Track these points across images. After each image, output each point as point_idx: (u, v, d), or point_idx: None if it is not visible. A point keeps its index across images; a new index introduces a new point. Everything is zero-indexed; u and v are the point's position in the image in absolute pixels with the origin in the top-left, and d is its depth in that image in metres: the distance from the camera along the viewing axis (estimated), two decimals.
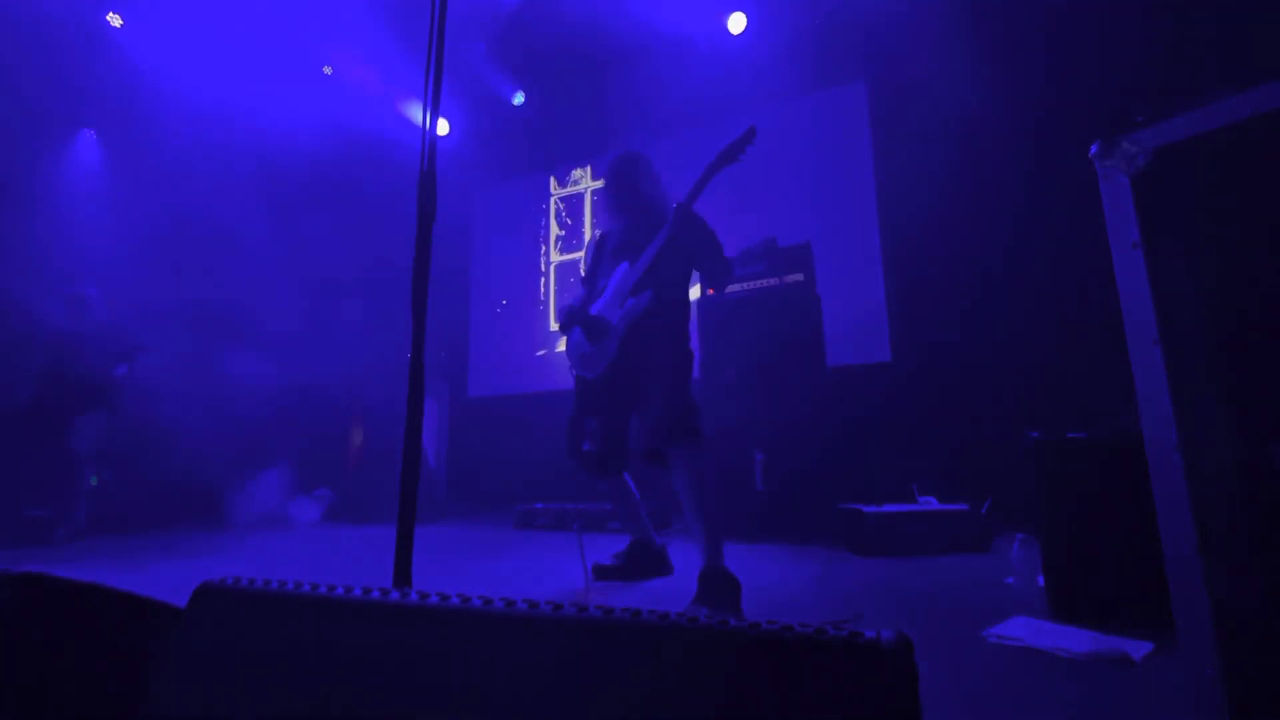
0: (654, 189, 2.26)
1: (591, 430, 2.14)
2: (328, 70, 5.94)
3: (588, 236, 5.81)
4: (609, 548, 2.55)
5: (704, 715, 0.43)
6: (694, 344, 2.15)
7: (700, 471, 1.90)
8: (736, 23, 4.95)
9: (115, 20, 5.21)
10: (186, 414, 4.88)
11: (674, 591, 2.03)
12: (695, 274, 2.20)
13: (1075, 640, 1.37)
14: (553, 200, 6.10)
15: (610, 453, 2.15)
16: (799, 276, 3.43)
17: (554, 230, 6.04)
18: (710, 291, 3.55)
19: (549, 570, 2.49)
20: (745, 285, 3.49)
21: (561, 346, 5.73)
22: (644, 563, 2.26)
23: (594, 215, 5.77)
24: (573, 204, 5.97)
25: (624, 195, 2.25)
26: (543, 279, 6.01)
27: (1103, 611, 1.52)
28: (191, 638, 0.61)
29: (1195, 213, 0.75)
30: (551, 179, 6.13)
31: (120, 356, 3.91)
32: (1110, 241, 0.79)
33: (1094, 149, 0.80)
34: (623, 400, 2.13)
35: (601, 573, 2.22)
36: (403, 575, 1.00)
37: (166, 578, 2.48)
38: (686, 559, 2.35)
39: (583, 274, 2.44)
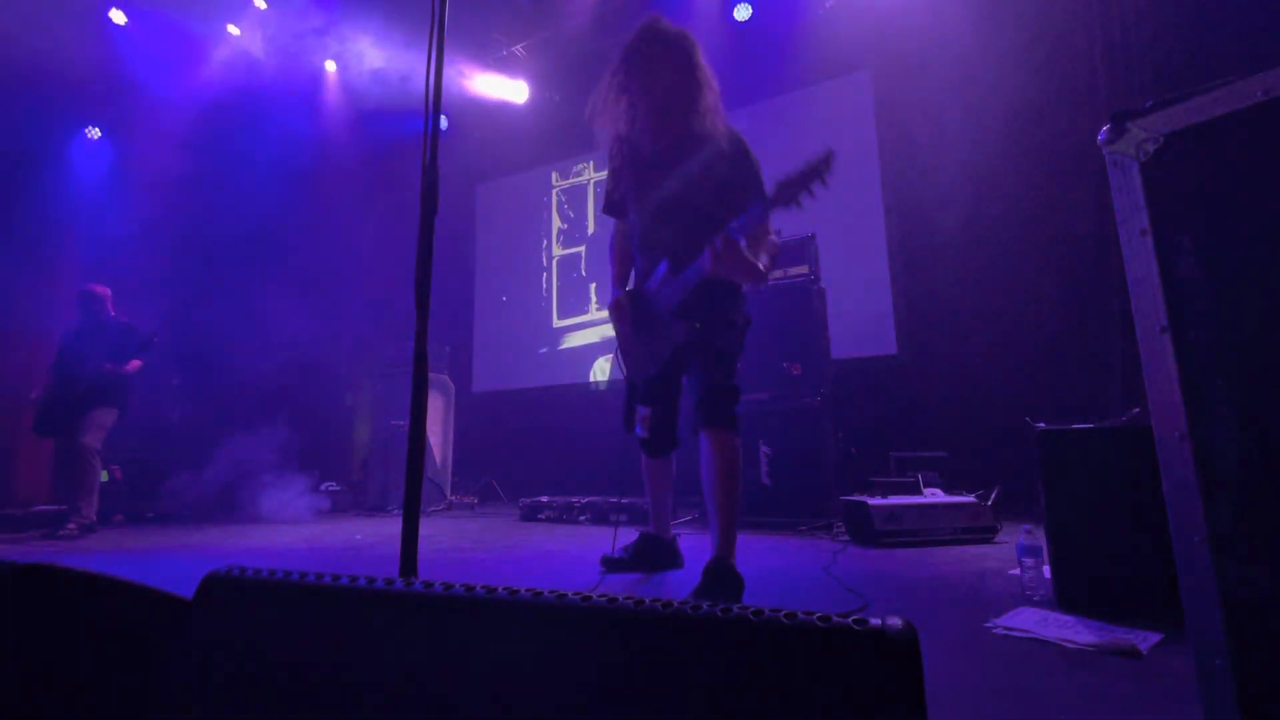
0: (715, 108, 1.96)
1: (643, 417, 2.16)
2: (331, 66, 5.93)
3: (590, 230, 5.78)
4: (613, 540, 2.55)
5: (709, 702, 0.43)
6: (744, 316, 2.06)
7: (728, 460, 1.89)
8: (742, 11, 4.91)
9: (119, 17, 5.21)
10: (195, 410, 4.91)
11: (682, 583, 2.04)
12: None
13: (1081, 631, 1.36)
14: (554, 193, 6.08)
15: (662, 437, 2.17)
16: (803, 269, 3.42)
17: (555, 224, 6.03)
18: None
19: (554, 561, 2.49)
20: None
21: (563, 344, 5.73)
22: (654, 554, 2.26)
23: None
24: (575, 197, 5.95)
25: (679, 103, 1.92)
26: (544, 274, 6.00)
27: (1109, 602, 1.52)
28: (199, 627, 0.61)
29: (1206, 199, 0.74)
30: (554, 173, 6.11)
31: (130, 352, 3.93)
32: (1119, 229, 0.79)
33: (1102, 135, 0.79)
34: (673, 384, 2.14)
35: (611, 565, 2.22)
36: (409, 565, 1.01)
37: (174, 569, 2.50)
38: (696, 552, 2.35)
39: (608, 190, 2.19)
